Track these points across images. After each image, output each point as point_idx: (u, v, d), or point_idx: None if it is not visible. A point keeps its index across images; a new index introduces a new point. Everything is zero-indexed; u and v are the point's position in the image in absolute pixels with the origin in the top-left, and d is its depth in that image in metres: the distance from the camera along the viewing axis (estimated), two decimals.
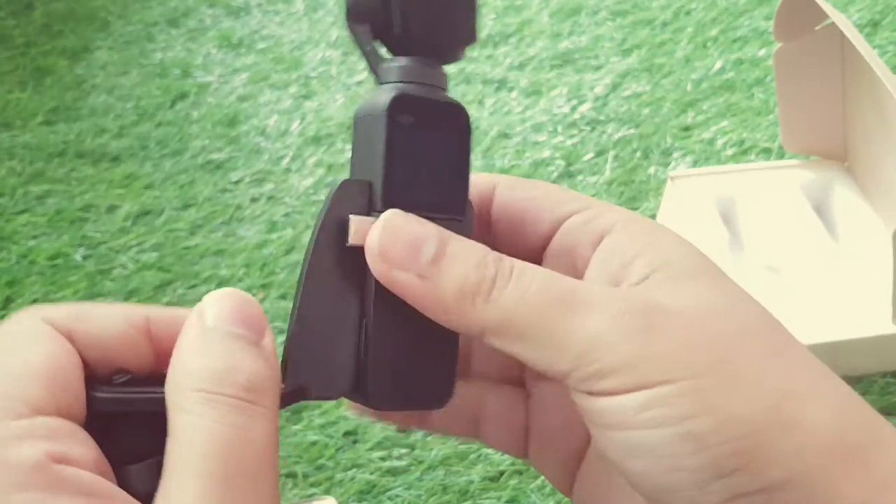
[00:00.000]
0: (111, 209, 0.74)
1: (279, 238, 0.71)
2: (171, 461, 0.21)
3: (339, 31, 0.95)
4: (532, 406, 0.29)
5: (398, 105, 0.25)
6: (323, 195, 0.73)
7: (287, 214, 0.74)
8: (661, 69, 0.88)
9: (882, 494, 0.21)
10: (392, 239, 0.24)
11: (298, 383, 0.25)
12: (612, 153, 0.78)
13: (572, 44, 0.92)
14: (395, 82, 0.26)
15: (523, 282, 0.23)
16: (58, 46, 0.93)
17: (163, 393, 0.22)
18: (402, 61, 0.26)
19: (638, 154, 0.78)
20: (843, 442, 0.21)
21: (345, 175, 0.26)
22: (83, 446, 0.21)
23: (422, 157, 0.26)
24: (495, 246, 0.28)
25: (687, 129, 0.80)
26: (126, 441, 0.22)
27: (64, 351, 0.22)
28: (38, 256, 0.69)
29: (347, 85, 0.88)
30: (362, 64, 0.91)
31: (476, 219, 0.28)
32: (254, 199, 0.75)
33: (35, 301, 0.66)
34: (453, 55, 0.27)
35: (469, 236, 0.26)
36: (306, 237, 0.71)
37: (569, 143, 0.80)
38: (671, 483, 0.22)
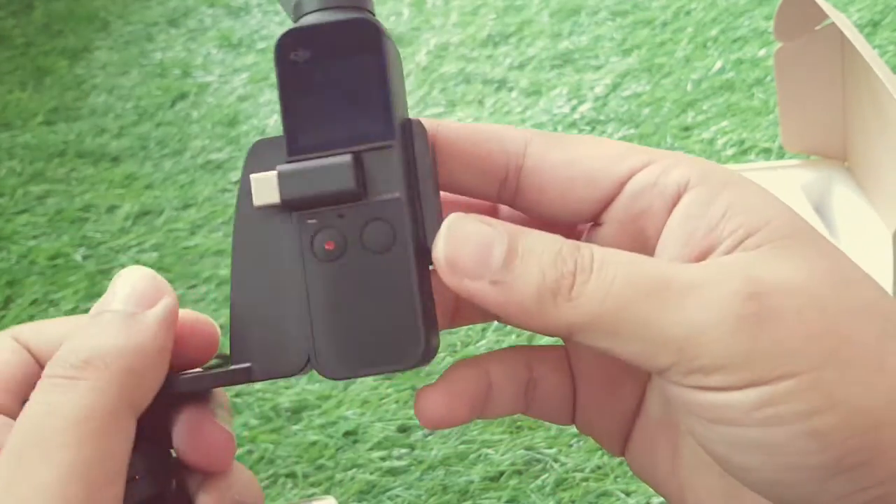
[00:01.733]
0: (111, 209, 0.74)
1: None
2: None
3: None
4: (574, 366, 0.27)
5: (286, 44, 0.23)
6: None
7: None
8: (661, 69, 0.88)
9: None
10: (458, 246, 0.21)
11: (245, 363, 0.23)
12: None
13: (572, 44, 0.92)
14: (298, 17, 0.24)
15: (607, 273, 0.21)
16: (58, 46, 0.93)
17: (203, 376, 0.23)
18: None
19: None
20: None
21: None
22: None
23: (328, 89, 0.23)
24: (531, 212, 0.26)
25: (687, 129, 0.80)
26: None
27: (15, 356, 0.24)
28: (38, 256, 0.69)
29: None
30: None
31: (502, 184, 0.24)
32: None
33: (35, 301, 0.66)
34: None
35: (425, 168, 0.23)
36: None
37: None
38: (787, 479, 0.20)
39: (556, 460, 0.54)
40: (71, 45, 0.94)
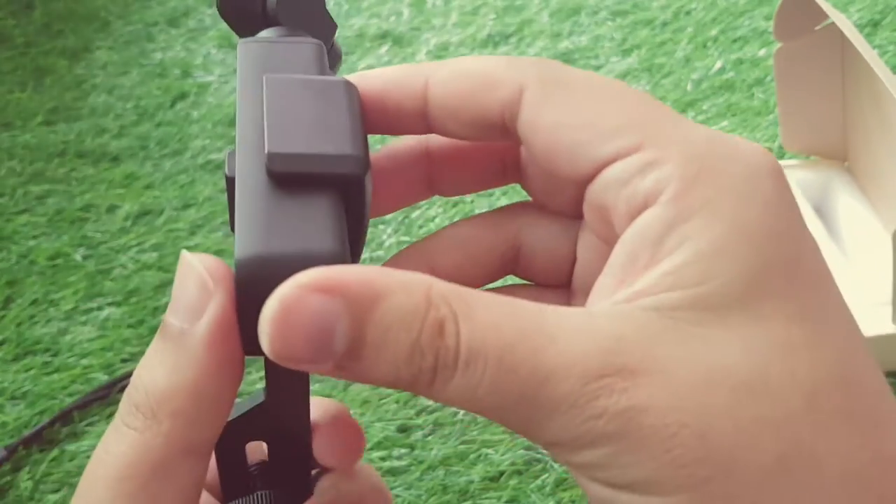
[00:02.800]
0: (111, 209, 0.74)
1: None
2: None
3: (338, 31, 0.95)
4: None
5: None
6: None
7: None
8: (661, 69, 0.88)
9: None
10: (288, 337, 0.17)
11: None
12: None
13: (572, 44, 0.92)
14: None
15: (473, 373, 0.17)
16: (58, 46, 0.93)
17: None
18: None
19: None
20: None
21: None
22: None
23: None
24: (526, 179, 0.24)
25: None
26: None
27: None
28: (38, 256, 0.69)
29: None
30: (362, 64, 0.91)
31: (502, 131, 0.22)
32: None
33: (35, 301, 0.66)
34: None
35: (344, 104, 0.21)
36: None
37: None
38: None
39: (556, 460, 0.54)
40: (71, 45, 0.94)
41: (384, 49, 0.93)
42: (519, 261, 0.26)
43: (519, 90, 0.21)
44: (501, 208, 0.26)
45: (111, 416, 0.48)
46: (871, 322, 0.58)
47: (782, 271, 0.17)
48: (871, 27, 0.89)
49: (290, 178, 0.20)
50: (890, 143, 0.61)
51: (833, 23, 0.59)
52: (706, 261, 0.17)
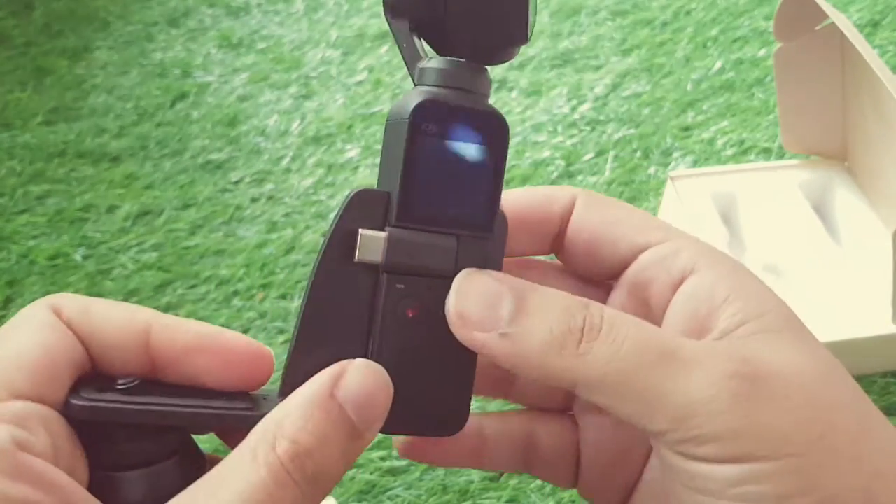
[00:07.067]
0: (111, 209, 0.74)
1: (279, 238, 0.71)
2: (222, 481, 0.21)
3: (338, 31, 0.95)
4: (582, 437, 0.29)
5: (423, 112, 0.23)
6: (323, 195, 0.73)
7: (287, 214, 0.74)
8: (661, 69, 0.88)
9: None
10: (467, 300, 0.23)
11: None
12: (612, 153, 0.78)
13: (572, 44, 0.92)
14: (429, 86, 0.24)
15: (617, 334, 0.22)
16: (58, 46, 0.93)
17: (153, 406, 0.22)
18: (439, 62, 0.24)
19: (638, 154, 0.78)
20: None
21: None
22: (53, 436, 0.21)
23: (447, 169, 0.24)
24: (567, 265, 0.28)
25: (687, 129, 0.80)
26: (119, 447, 0.22)
27: (59, 340, 0.22)
28: (38, 256, 0.69)
29: (347, 85, 0.88)
30: (362, 64, 0.91)
31: (553, 234, 0.27)
32: (254, 199, 0.75)
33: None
34: (502, 56, 0.25)
35: (498, 255, 0.25)
36: (306, 237, 0.70)
37: (569, 143, 0.80)
38: None
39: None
40: (71, 45, 0.94)
41: (384, 49, 0.93)
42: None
43: (572, 199, 0.27)
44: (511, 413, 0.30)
45: None
46: (871, 322, 0.58)
47: (787, 313, 0.24)
48: (871, 27, 0.89)
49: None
50: (890, 143, 0.61)
51: (833, 23, 0.59)
52: (754, 302, 0.23)
